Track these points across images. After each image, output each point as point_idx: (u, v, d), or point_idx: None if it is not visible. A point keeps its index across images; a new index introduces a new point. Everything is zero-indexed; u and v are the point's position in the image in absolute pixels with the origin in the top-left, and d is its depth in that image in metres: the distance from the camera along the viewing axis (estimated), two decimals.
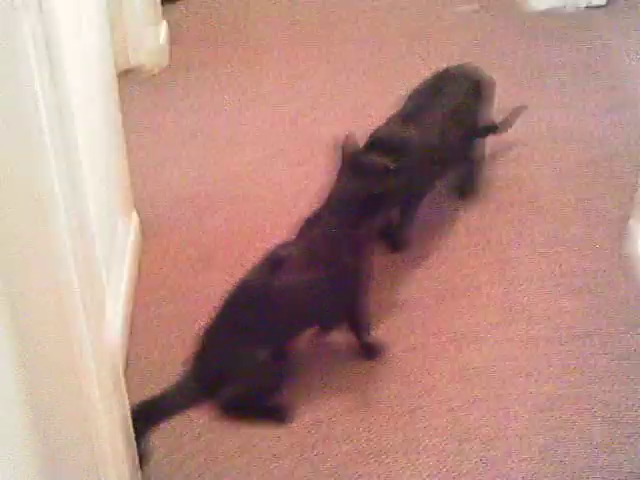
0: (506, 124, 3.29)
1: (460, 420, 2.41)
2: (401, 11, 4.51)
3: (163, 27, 4.16)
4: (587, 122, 3.65)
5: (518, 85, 3.84)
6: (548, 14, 4.44)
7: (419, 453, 2.33)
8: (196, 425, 2.41)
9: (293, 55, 4.17)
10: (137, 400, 2.23)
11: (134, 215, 3.04)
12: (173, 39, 4.17)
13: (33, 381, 1.61)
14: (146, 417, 2.26)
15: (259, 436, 2.37)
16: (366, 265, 2.52)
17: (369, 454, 2.33)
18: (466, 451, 2.33)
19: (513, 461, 2.29)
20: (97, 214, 2.22)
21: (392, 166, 2.48)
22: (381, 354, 2.60)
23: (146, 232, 3.07)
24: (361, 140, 2.74)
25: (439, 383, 2.52)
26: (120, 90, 2.95)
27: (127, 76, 3.86)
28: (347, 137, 2.44)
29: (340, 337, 2.61)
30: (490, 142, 3.28)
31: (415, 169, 2.72)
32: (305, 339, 2.56)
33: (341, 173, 2.53)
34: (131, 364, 2.57)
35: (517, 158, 3.41)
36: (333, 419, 2.42)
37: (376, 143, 2.72)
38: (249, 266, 2.47)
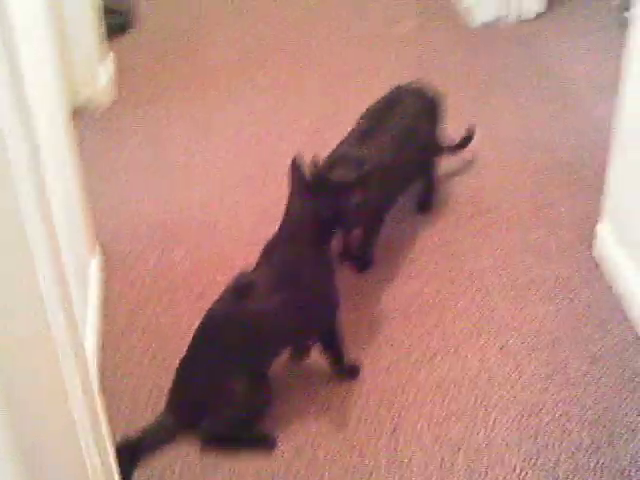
0: (461, 145, 3.34)
1: (442, 434, 2.41)
2: (346, 34, 4.54)
3: (109, 63, 4.13)
4: (537, 130, 3.70)
5: (466, 99, 3.88)
6: (490, 26, 4.50)
7: (404, 470, 2.32)
8: (182, 458, 2.38)
9: (242, 82, 4.16)
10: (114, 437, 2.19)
11: (98, 251, 3.01)
12: (121, 73, 4.14)
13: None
14: (128, 455, 2.24)
15: (246, 465, 2.35)
16: (330, 285, 2.52)
17: (355, 475, 2.31)
18: (451, 465, 2.33)
19: (499, 471, 2.30)
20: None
21: (354, 179, 2.47)
22: (356, 374, 2.60)
23: (110, 267, 3.04)
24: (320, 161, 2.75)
25: (417, 399, 2.52)
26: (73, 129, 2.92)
27: (77, 114, 3.83)
28: (296, 158, 2.43)
29: (315, 361, 2.60)
30: (443, 157, 3.30)
31: (374, 188, 2.72)
32: (280, 365, 2.55)
33: (294, 195, 2.51)
34: (105, 401, 2.52)
35: (471, 171, 3.44)
36: (316, 443, 2.40)
37: (334, 163, 2.72)
38: (216, 295, 2.45)
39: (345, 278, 2.88)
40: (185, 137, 3.77)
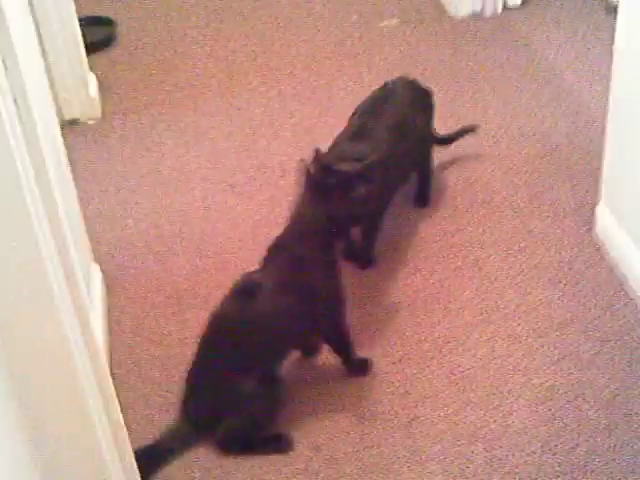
0: (455, 137, 3.35)
1: (459, 424, 2.41)
2: (329, 33, 4.53)
3: (91, 78, 4.11)
4: (526, 119, 3.70)
5: (452, 92, 3.88)
6: (469, 20, 4.49)
7: (423, 463, 2.32)
8: (202, 464, 2.37)
9: (228, 88, 4.15)
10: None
11: (96, 268, 2.99)
12: (104, 88, 4.12)
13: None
14: (145, 464, 2.22)
15: (263, 468, 2.34)
16: (336, 284, 2.51)
17: (374, 471, 2.31)
18: (469, 454, 2.33)
19: (518, 457, 2.30)
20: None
21: (361, 168, 2.47)
22: (367, 370, 2.59)
23: (110, 283, 3.01)
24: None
25: (431, 391, 2.52)
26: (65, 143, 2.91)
27: (64, 131, 3.80)
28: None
29: (326, 358, 2.60)
30: (436, 149, 3.30)
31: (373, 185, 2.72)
32: (292, 364, 2.54)
33: (303, 195, 2.50)
34: None
35: (465, 162, 3.44)
36: (332, 441, 2.40)
37: (334, 160, 2.71)
38: (219, 301, 2.44)
39: (349, 275, 2.87)
40: (176, 145, 3.76)
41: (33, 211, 1.45)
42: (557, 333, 2.65)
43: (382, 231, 3.03)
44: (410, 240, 3.10)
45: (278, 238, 2.47)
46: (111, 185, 3.56)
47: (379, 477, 2.29)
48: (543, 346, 2.62)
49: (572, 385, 2.47)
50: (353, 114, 3.05)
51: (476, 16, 4.50)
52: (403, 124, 3.01)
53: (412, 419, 2.44)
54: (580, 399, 2.43)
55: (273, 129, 3.80)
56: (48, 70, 3.48)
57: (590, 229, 3.02)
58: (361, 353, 2.61)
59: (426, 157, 3.22)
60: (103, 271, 3.01)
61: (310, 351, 2.63)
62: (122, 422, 1.90)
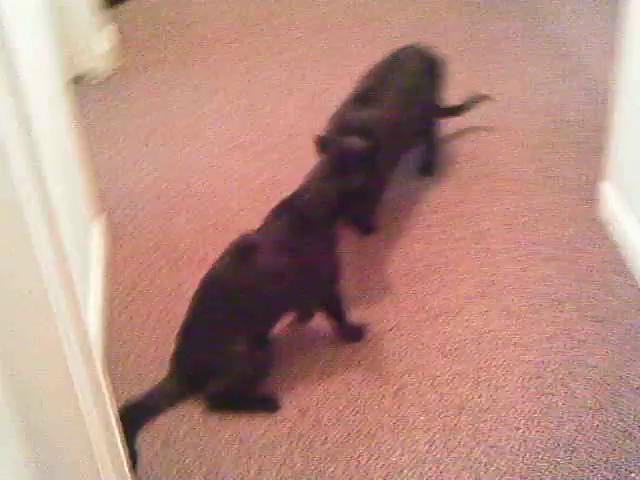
0: (465, 107, 3.32)
1: (447, 395, 2.41)
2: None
3: (109, 31, 4.10)
4: (540, 91, 3.67)
5: (468, 60, 3.85)
6: None
7: (409, 431, 2.32)
8: (187, 421, 2.39)
9: (243, 48, 4.14)
10: (119, 401, 2.20)
11: (101, 220, 3.01)
12: (122, 41, 4.11)
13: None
14: (132, 419, 2.24)
15: (250, 427, 2.36)
16: (333, 254, 2.51)
17: (359, 437, 2.32)
18: (455, 425, 2.33)
19: (502, 432, 2.30)
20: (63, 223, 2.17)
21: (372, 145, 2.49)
22: (362, 336, 2.59)
23: (114, 235, 3.04)
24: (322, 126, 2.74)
25: (421, 360, 2.52)
26: (72, 97, 2.91)
27: (77, 83, 3.81)
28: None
29: (318, 323, 2.60)
30: (445, 120, 3.28)
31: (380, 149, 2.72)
32: (283, 327, 2.55)
33: (318, 167, 2.51)
34: (110, 365, 2.53)
35: (473, 132, 3.42)
36: (319, 405, 2.41)
37: (343, 128, 2.72)
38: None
39: (350, 241, 2.87)
40: (185, 103, 3.76)
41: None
42: (552, 310, 2.64)
43: (385, 198, 3.02)
44: (412, 209, 3.09)
45: (284, 201, 2.46)
46: (122, 137, 3.58)
47: (362, 443, 2.30)
48: (537, 322, 2.61)
49: (563, 363, 2.46)
50: (362, 77, 3.04)
51: None
52: (410, 90, 3.00)
53: (400, 387, 2.44)
54: (569, 377, 2.42)
55: (283, 92, 3.79)
56: (62, 22, 3.47)
57: (594, 207, 2.99)
58: (356, 319, 2.61)
59: (431, 126, 3.20)
60: (109, 222, 3.04)
61: (303, 316, 2.63)
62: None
